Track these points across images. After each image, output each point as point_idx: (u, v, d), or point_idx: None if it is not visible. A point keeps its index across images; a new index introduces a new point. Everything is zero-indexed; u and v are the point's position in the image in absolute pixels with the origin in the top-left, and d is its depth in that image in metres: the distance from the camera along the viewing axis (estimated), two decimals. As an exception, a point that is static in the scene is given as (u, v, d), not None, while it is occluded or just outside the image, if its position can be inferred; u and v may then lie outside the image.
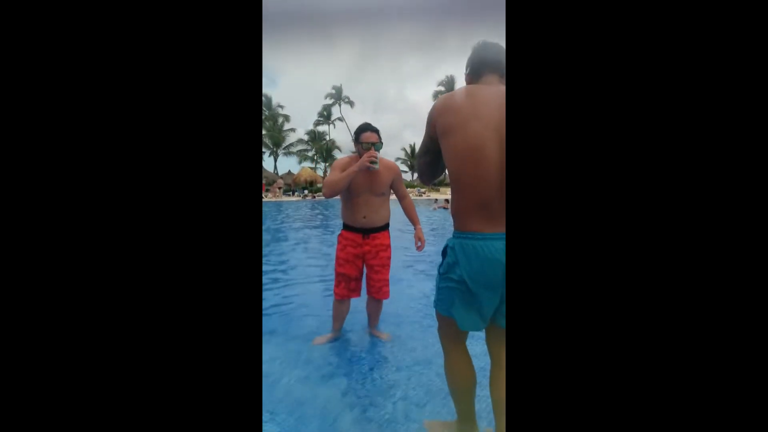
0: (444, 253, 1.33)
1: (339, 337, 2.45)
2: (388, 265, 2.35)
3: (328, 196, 2.14)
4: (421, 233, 2.35)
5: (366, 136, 2.15)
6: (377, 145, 2.13)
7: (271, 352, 2.21)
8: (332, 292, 2.39)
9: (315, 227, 9.79)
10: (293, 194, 31.54)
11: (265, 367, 2.03)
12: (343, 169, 2.16)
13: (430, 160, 1.41)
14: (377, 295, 2.35)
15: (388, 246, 2.35)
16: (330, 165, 41.25)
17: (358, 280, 2.36)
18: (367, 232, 2.28)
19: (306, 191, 31.73)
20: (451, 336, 1.40)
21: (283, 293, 3.55)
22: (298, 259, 5.32)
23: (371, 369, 2.05)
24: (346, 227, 2.33)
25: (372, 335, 2.47)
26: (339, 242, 2.34)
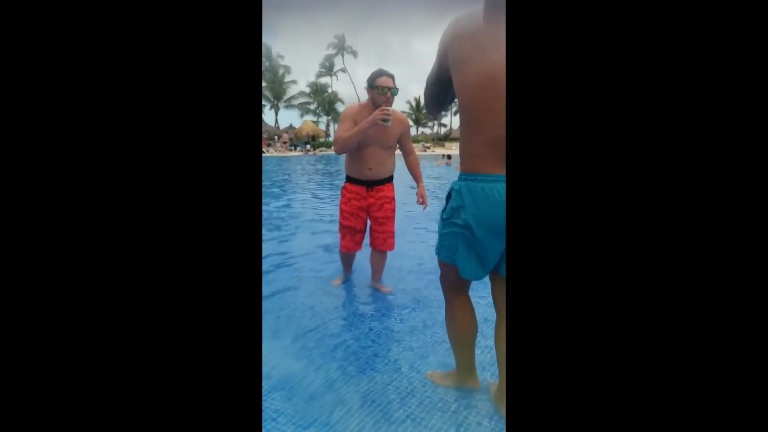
0: (448, 197, 1.25)
1: (351, 274, 2.60)
2: (393, 218, 2.32)
3: (340, 152, 2.13)
4: (423, 191, 2.31)
5: (382, 81, 2.05)
6: (393, 90, 2.04)
7: (275, 309, 2.21)
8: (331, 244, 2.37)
9: (319, 184, 9.71)
10: (295, 149, 31.14)
11: (270, 323, 2.03)
12: (354, 119, 2.09)
13: (438, 90, 1.30)
14: (382, 246, 2.33)
15: (393, 198, 2.31)
16: (332, 119, 40.27)
17: (363, 232, 2.35)
18: (371, 184, 2.24)
19: (308, 146, 31.26)
20: (453, 284, 1.36)
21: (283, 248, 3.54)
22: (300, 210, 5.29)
23: (375, 321, 2.06)
24: (350, 179, 2.28)
25: (374, 288, 2.47)
26: (343, 195, 2.30)
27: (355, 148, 2.14)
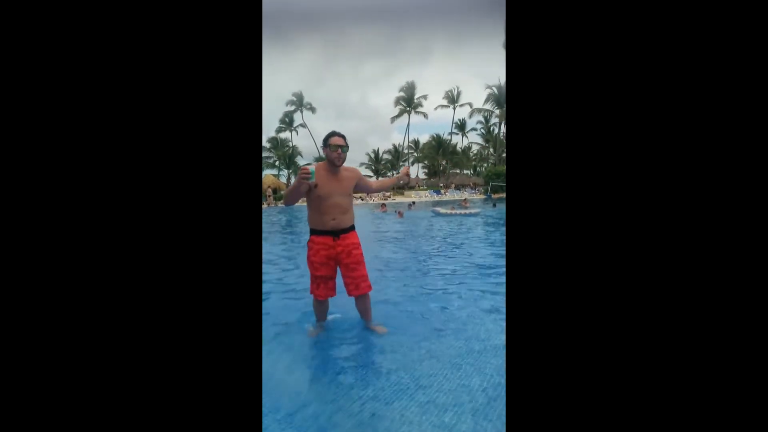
0: None
1: (324, 322, 2.63)
2: (362, 261, 2.46)
3: (286, 204, 2.37)
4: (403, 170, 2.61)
5: (334, 140, 2.32)
6: (344, 147, 2.32)
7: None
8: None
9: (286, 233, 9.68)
10: (256, 202, 30.75)
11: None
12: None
13: None
14: (358, 291, 2.45)
15: (359, 244, 2.46)
16: (292, 172, 40.59)
17: (334, 278, 2.48)
18: (337, 233, 2.38)
19: (271, 197, 31.11)
20: None
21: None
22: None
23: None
24: (316, 232, 2.40)
25: (370, 329, 2.56)
26: (310, 248, 2.40)
27: (318, 202, 2.31)
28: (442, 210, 13.69)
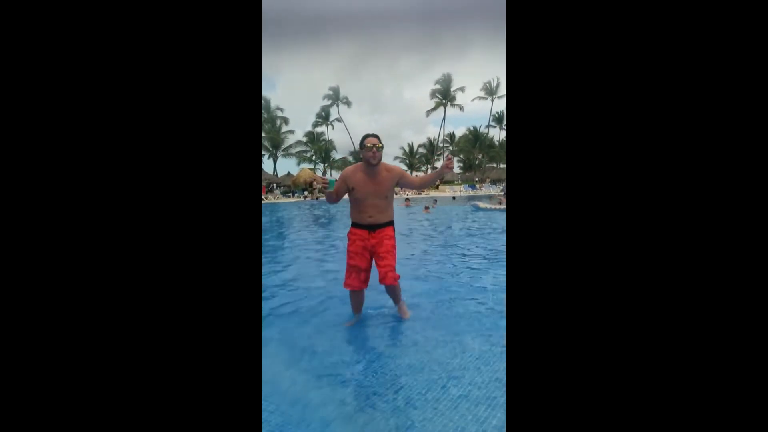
0: None
1: (361, 314, 2.77)
2: (393, 253, 2.57)
3: (329, 203, 2.65)
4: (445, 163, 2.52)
5: (368, 141, 2.47)
6: (378, 146, 2.45)
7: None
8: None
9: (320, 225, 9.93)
10: (293, 195, 31.67)
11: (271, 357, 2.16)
12: (344, 180, 2.53)
13: None
14: (384, 281, 2.55)
15: (393, 237, 2.58)
16: (328, 166, 41.36)
17: (367, 271, 2.60)
18: (373, 228, 2.54)
19: (306, 192, 31.90)
20: None
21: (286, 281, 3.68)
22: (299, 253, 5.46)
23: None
24: (354, 224, 2.58)
25: (397, 313, 2.75)
26: (349, 238, 2.59)
27: (356, 201, 2.50)
28: (482, 204, 13.46)
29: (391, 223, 2.60)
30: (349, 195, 2.53)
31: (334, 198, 2.48)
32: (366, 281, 2.61)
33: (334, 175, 42.17)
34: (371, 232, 2.53)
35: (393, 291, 2.66)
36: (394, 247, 2.57)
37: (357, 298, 2.70)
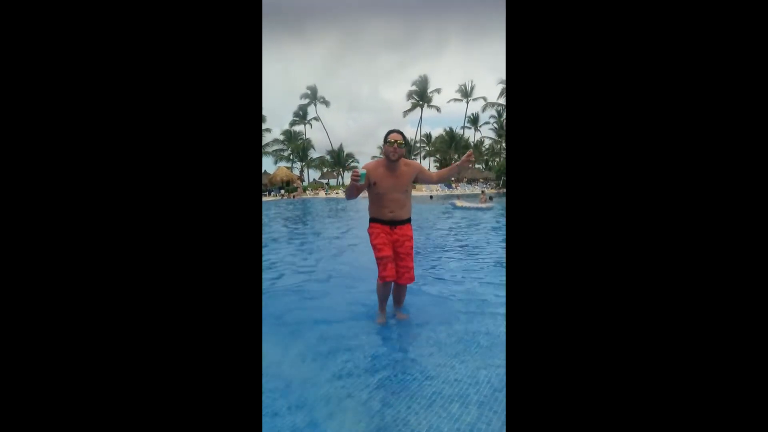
0: None
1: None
2: (412, 254, 2.65)
3: (348, 198, 2.65)
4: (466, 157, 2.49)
5: (392, 136, 2.51)
6: (400, 143, 2.49)
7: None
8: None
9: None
10: (269, 194, 31.30)
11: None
12: (366, 175, 2.51)
13: None
14: (401, 280, 2.64)
15: (411, 237, 2.66)
16: (305, 165, 40.89)
17: (395, 260, 2.61)
18: (394, 224, 2.59)
19: (282, 191, 31.57)
20: None
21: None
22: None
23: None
24: (375, 220, 2.62)
25: (395, 316, 2.75)
26: (371, 233, 2.62)
27: (377, 196, 2.54)
28: (459, 203, 13.42)
29: (409, 221, 2.64)
30: (369, 192, 2.57)
31: (355, 193, 2.52)
32: (394, 271, 2.59)
33: (312, 174, 41.79)
34: (392, 228, 2.57)
35: (402, 292, 2.72)
36: (412, 248, 2.63)
37: (386, 289, 2.64)
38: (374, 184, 2.49)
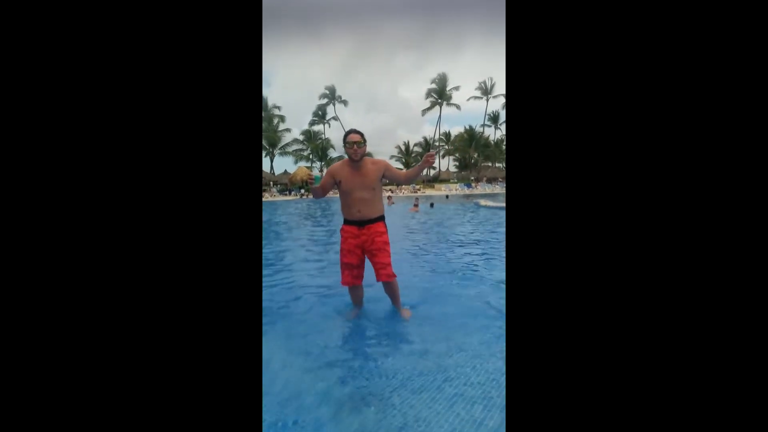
0: None
1: (362, 306, 2.85)
2: (386, 250, 2.60)
3: (315, 198, 2.73)
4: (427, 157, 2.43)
5: (349, 138, 2.51)
6: (359, 143, 2.49)
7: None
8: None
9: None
10: (290, 193, 31.72)
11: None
12: (331, 175, 2.57)
13: None
14: (379, 278, 2.63)
15: (384, 232, 2.60)
16: (325, 164, 41.32)
17: (360, 267, 2.67)
18: (363, 223, 2.57)
19: (303, 190, 31.97)
20: None
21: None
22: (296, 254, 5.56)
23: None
24: (345, 221, 2.63)
25: (397, 313, 2.75)
26: (341, 236, 2.66)
27: (344, 195, 2.54)
28: (483, 202, 12.94)
29: (381, 219, 2.60)
30: (338, 190, 2.56)
31: (320, 193, 2.59)
32: (359, 277, 2.67)
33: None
34: (360, 228, 2.55)
35: (390, 289, 2.68)
36: (386, 243, 2.58)
37: (355, 292, 2.77)
38: (340, 182, 2.51)
